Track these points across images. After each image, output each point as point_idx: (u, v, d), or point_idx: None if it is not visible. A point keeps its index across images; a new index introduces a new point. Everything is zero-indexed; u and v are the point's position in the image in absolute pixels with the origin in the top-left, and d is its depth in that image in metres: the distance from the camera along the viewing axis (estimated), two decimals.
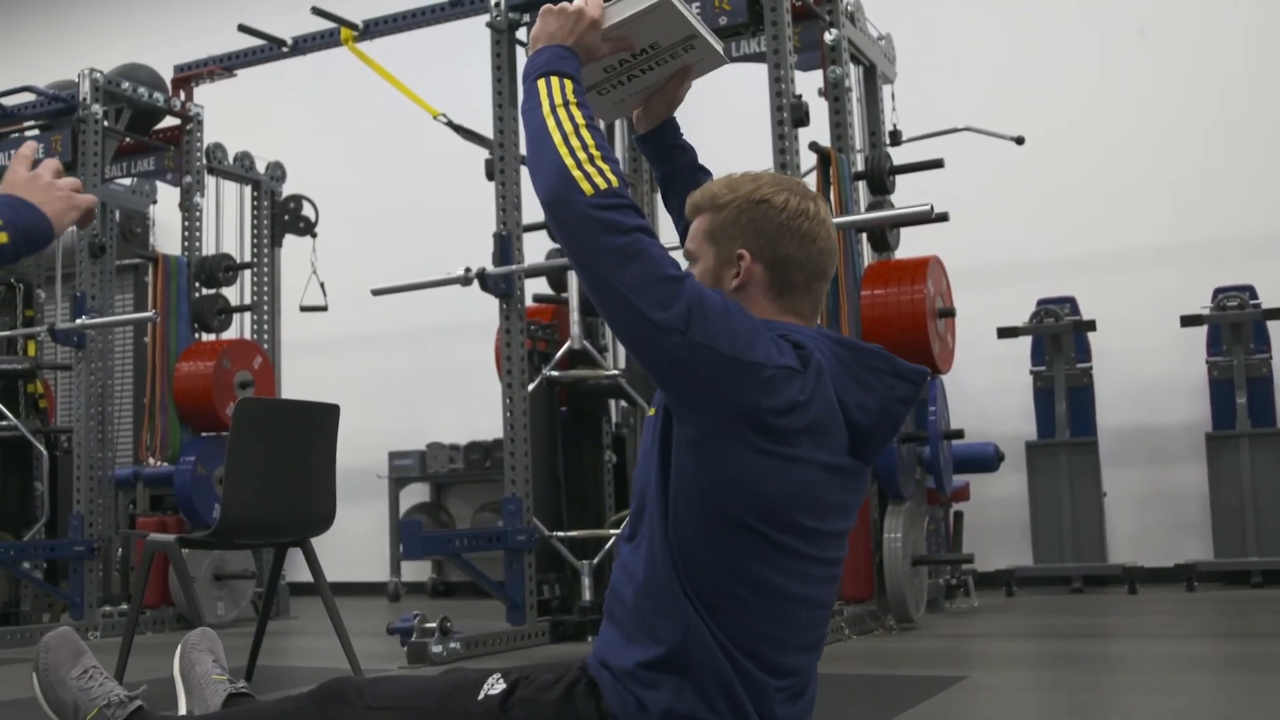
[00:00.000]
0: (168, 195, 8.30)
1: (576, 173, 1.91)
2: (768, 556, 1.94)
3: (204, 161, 7.74)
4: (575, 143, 1.94)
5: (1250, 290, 7.39)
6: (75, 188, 2.05)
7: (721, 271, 2.06)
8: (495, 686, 2.08)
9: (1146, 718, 3.43)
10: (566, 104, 2.01)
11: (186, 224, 7.65)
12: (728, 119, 8.08)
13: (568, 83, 2.05)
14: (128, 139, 7.62)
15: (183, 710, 2.68)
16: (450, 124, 6.46)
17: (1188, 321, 7.31)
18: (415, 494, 9.78)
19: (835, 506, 2.00)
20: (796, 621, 2.01)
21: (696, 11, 2.24)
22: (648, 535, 1.98)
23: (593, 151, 1.94)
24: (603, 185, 1.90)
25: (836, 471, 1.98)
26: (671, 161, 2.42)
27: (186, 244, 7.62)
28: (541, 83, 2.06)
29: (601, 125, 2.06)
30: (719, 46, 2.26)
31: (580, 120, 1.98)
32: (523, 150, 6.26)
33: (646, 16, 2.15)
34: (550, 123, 1.98)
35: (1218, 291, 7.43)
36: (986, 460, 6.80)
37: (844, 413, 1.97)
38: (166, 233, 8.72)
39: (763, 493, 1.91)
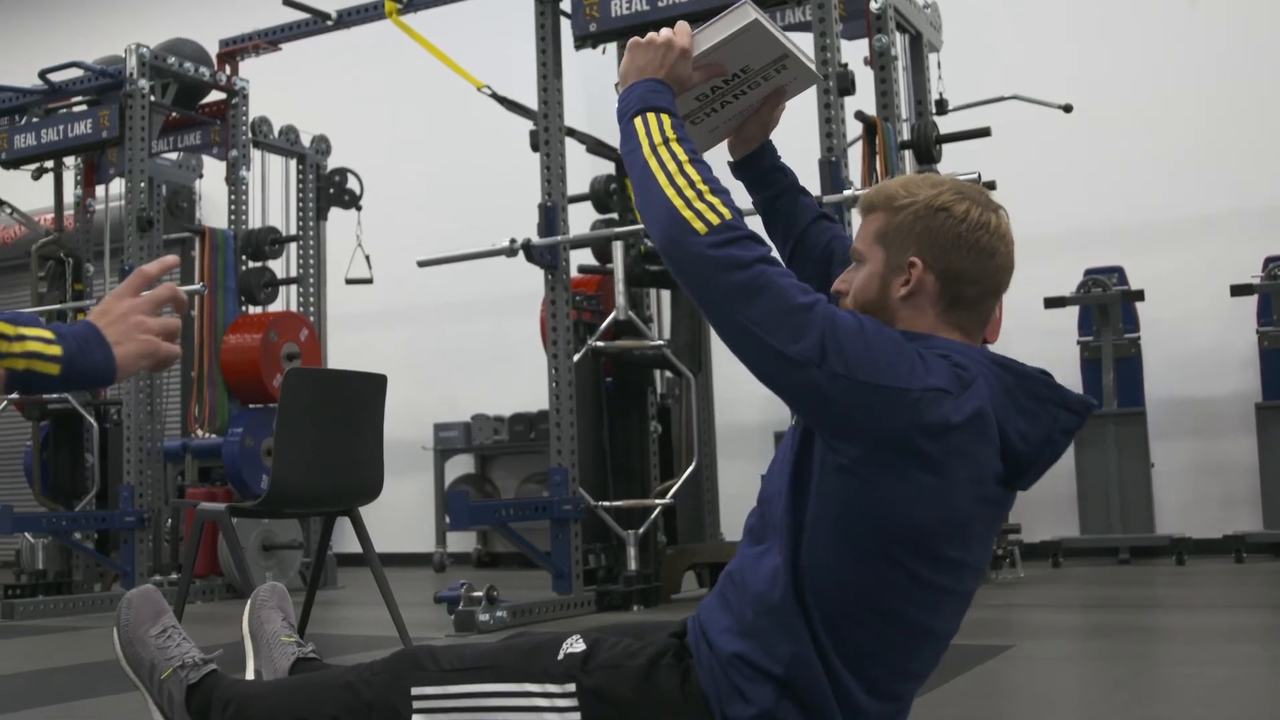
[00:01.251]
0: (214, 170, 8.35)
1: (687, 213, 1.84)
2: (906, 589, 1.88)
3: (249, 135, 7.79)
4: (681, 181, 1.88)
5: None
6: (165, 331, 1.90)
7: (890, 277, 1.95)
8: (575, 646, 2.06)
9: (1192, 689, 3.41)
10: (666, 141, 1.94)
11: (233, 198, 7.70)
12: None
13: (665, 118, 1.98)
14: (174, 114, 7.67)
15: (250, 669, 2.68)
16: (494, 95, 6.45)
17: (1238, 291, 7.24)
18: (460, 465, 9.83)
19: (981, 536, 1.94)
20: (919, 653, 1.97)
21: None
22: (774, 549, 1.92)
23: (700, 187, 1.87)
24: (715, 221, 1.83)
25: (987, 502, 1.90)
26: (771, 186, 2.31)
27: (233, 217, 7.67)
28: (638, 121, 1.98)
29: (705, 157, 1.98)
30: (812, 65, 2.18)
31: (683, 156, 1.92)
32: (568, 122, 6.30)
33: (737, 40, 2.07)
34: (653, 163, 1.92)
35: (1268, 261, 7.35)
36: None
37: (1004, 439, 1.87)
38: (213, 206, 8.77)
39: (912, 523, 1.83)
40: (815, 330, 1.78)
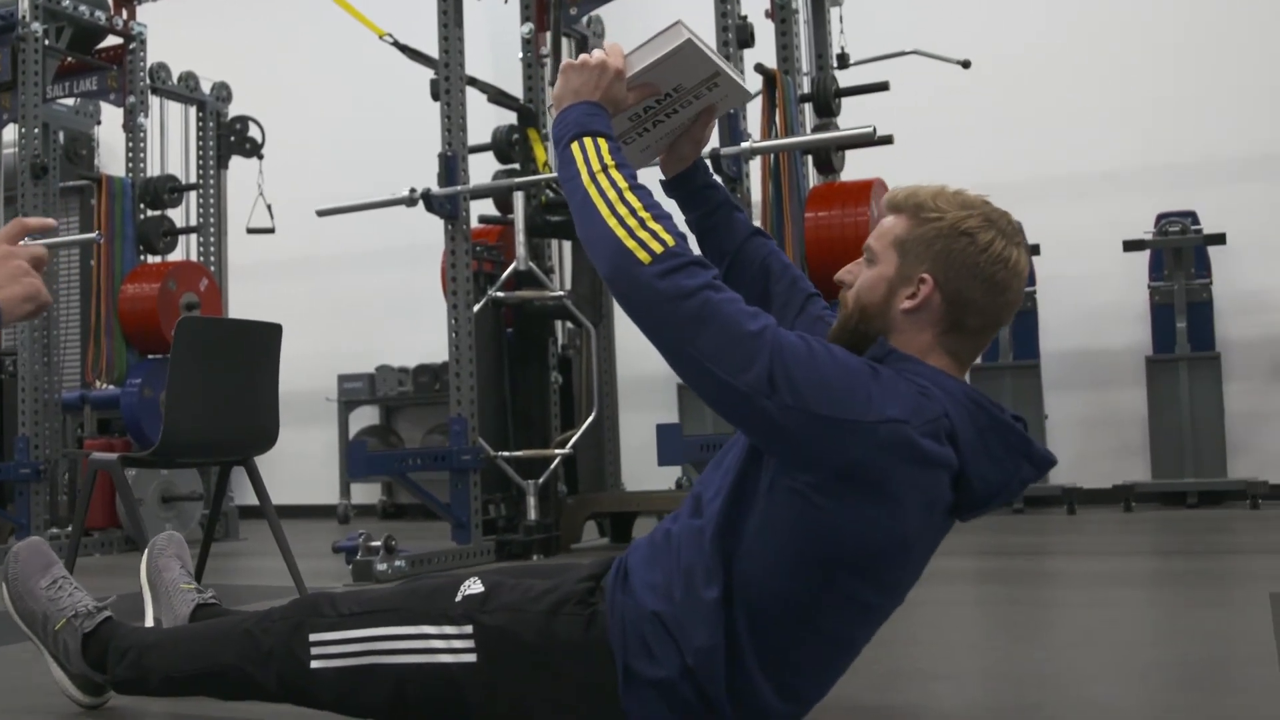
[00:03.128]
0: (113, 116, 8.20)
1: (630, 242, 1.83)
2: (841, 607, 1.91)
3: (147, 82, 7.65)
4: (622, 209, 1.86)
5: (1192, 216, 7.48)
6: (36, 260, 1.89)
7: (898, 286, 1.92)
8: (473, 587, 2.08)
9: (1075, 630, 3.52)
10: (605, 168, 1.91)
11: (130, 145, 7.57)
12: None
13: (602, 142, 1.96)
14: (69, 58, 7.51)
15: (149, 618, 2.67)
16: (396, 44, 6.40)
17: (1130, 246, 7.40)
18: (365, 417, 9.80)
19: (920, 558, 1.96)
20: (838, 663, 2.01)
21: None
22: (706, 547, 1.93)
23: (642, 215, 1.85)
24: (658, 249, 1.81)
25: (933, 529, 1.92)
26: (705, 203, 2.29)
27: (131, 165, 7.55)
28: (575, 147, 1.96)
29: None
30: (742, 81, 2.17)
31: (623, 183, 1.89)
32: (472, 72, 6.27)
33: (670, 60, 2.05)
34: (593, 192, 1.90)
35: (1160, 217, 7.51)
36: None
37: (963, 475, 1.87)
38: (112, 154, 8.63)
39: (858, 547, 1.84)
40: (763, 359, 1.76)
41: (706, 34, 5.45)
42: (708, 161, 2.31)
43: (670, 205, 2.08)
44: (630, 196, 1.88)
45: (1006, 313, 1.95)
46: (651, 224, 1.84)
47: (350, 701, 2.16)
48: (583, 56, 2.06)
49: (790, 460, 1.82)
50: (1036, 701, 2.56)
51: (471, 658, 2.02)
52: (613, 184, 1.90)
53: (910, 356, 1.91)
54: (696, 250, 1.91)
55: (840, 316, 2.01)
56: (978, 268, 1.88)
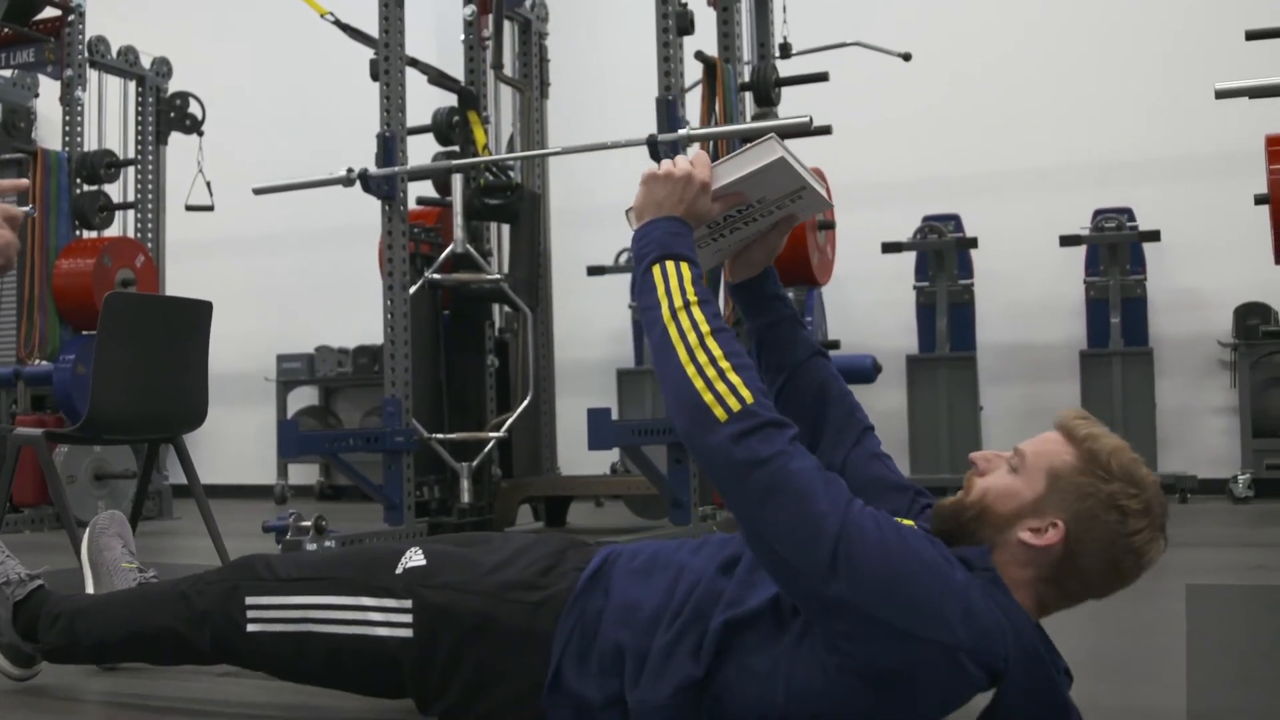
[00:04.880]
0: (51, 89, 8.11)
1: (708, 396, 1.74)
2: None
3: (86, 55, 7.56)
4: (702, 356, 1.77)
5: (1129, 213, 7.56)
6: (11, 218, 1.87)
7: (1029, 513, 1.80)
8: (414, 558, 2.07)
9: None
10: (688, 305, 1.83)
11: (67, 119, 7.49)
12: (615, 25, 8.07)
13: (685, 270, 1.87)
14: (5, 29, 7.41)
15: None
16: (337, 23, 6.35)
17: (1067, 241, 7.46)
18: (304, 397, 9.75)
19: None
20: None
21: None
22: (711, 626, 1.86)
23: (722, 365, 1.76)
24: (736, 407, 1.72)
25: None
26: (770, 313, 2.20)
27: (67, 139, 7.47)
28: (657, 271, 1.88)
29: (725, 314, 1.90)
30: (824, 192, 2.10)
31: (705, 327, 1.80)
32: (417, 54, 6.24)
33: (759, 175, 1.98)
34: (673, 332, 1.81)
35: (1097, 213, 7.58)
36: (864, 371, 6.88)
37: (994, 712, 1.78)
38: (51, 127, 8.51)
39: (855, 715, 1.77)
40: (828, 542, 1.67)
41: (645, 21, 5.46)
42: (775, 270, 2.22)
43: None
44: (711, 343, 1.79)
45: (1110, 592, 1.86)
46: (731, 376, 1.76)
47: (285, 666, 2.17)
48: (666, 165, 1.98)
49: (827, 640, 1.74)
50: None
51: (408, 633, 2.02)
52: (694, 325, 1.81)
53: (1002, 583, 1.79)
54: (770, 401, 1.80)
55: (958, 501, 1.89)
56: (1111, 547, 1.79)
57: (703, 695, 1.84)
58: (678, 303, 1.84)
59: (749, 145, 1.99)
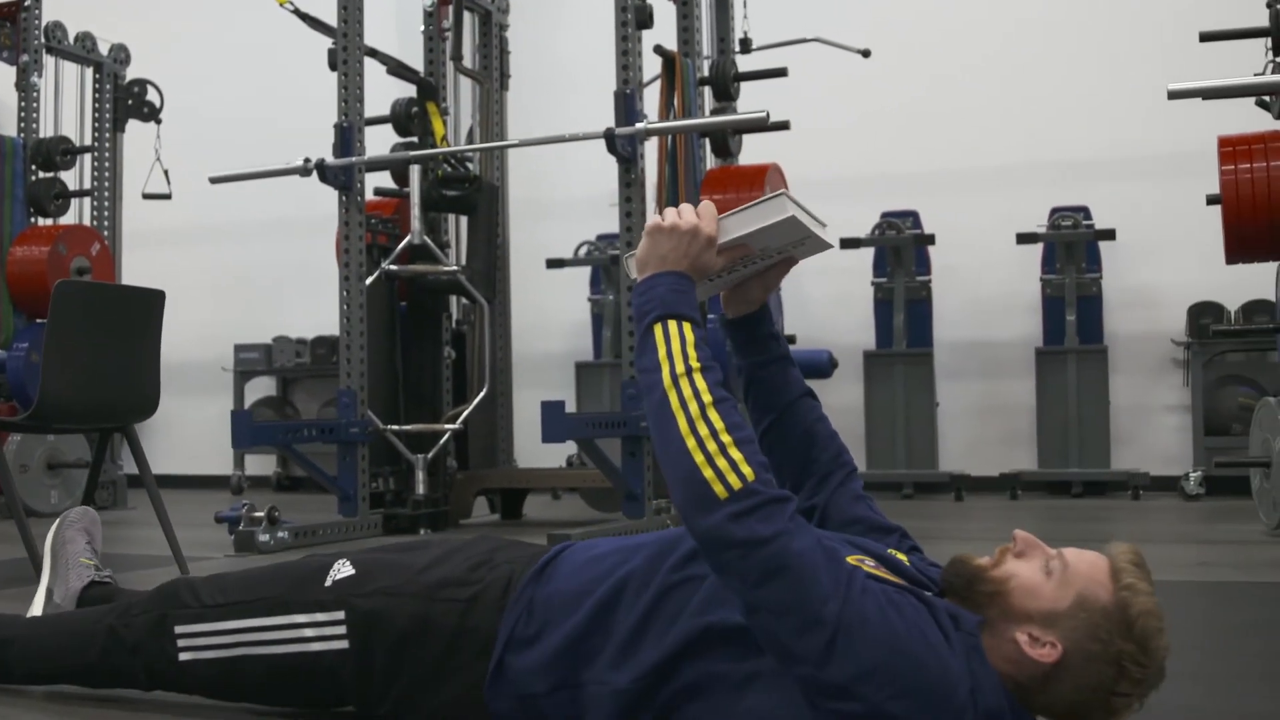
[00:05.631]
0: (6, 75, 8.04)
1: (707, 471, 1.68)
2: None
3: (42, 40, 7.50)
4: (703, 429, 1.71)
5: (1085, 211, 7.61)
6: None
7: (1036, 622, 1.73)
8: (343, 570, 2.06)
9: None
10: (690, 371, 1.77)
11: (23, 105, 7.43)
12: (575, 17, 8.06)
13: (689, 332, 1.81)
14: None
15: (42, 587, 2.63)
16: (297, 11, 6.33)
17: (1024, 239, 7.52)
18: (261, 387, 9.71)
19: None
20: None
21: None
22: (664, 637, 1.84)
23: (724, 439, 1.70)
24: (737, 485, 1.66)
25: None
26: (763, 352, 2.13)
27: (23, 126, 7.40)
28: (659, 332, 1.82)
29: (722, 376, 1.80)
30: (827, 237, 2.02)
31: (707, 397, 1.74)
32: (378, 44, 6.23)
33: (768, 230, 1.93)
34: (673, 400, 1.75)
35: (1054, 211, 7.63)
36: (820, 366, 6.93)
37: None
38: (6, 113, 8.44)
39: None
40: (826, 629, 1.63)
41: (605, 14, 5.47)
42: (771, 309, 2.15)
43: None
44: (713, 414, 1.73)
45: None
46: (733, 451, 1.70)
47: (222, 690, 2.16)
48: (671, 218, 1.91)
49: (808, 697, 1.69)
50: None
51: (343, 644, 2.01)
52: (696, 395, 1.75)
53: (982, 652, 1.73)
54: (771, 476, 1.74)
55: (982, 567, 1.81)
56: (1092, 694, 1.72)
57: (662, 688, 1.82)
58: (679, 368, 1.78)
59: (759, 200, 1.94)
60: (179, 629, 2.13)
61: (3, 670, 2.35)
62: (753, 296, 2.10)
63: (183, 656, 2.12)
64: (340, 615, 2.01)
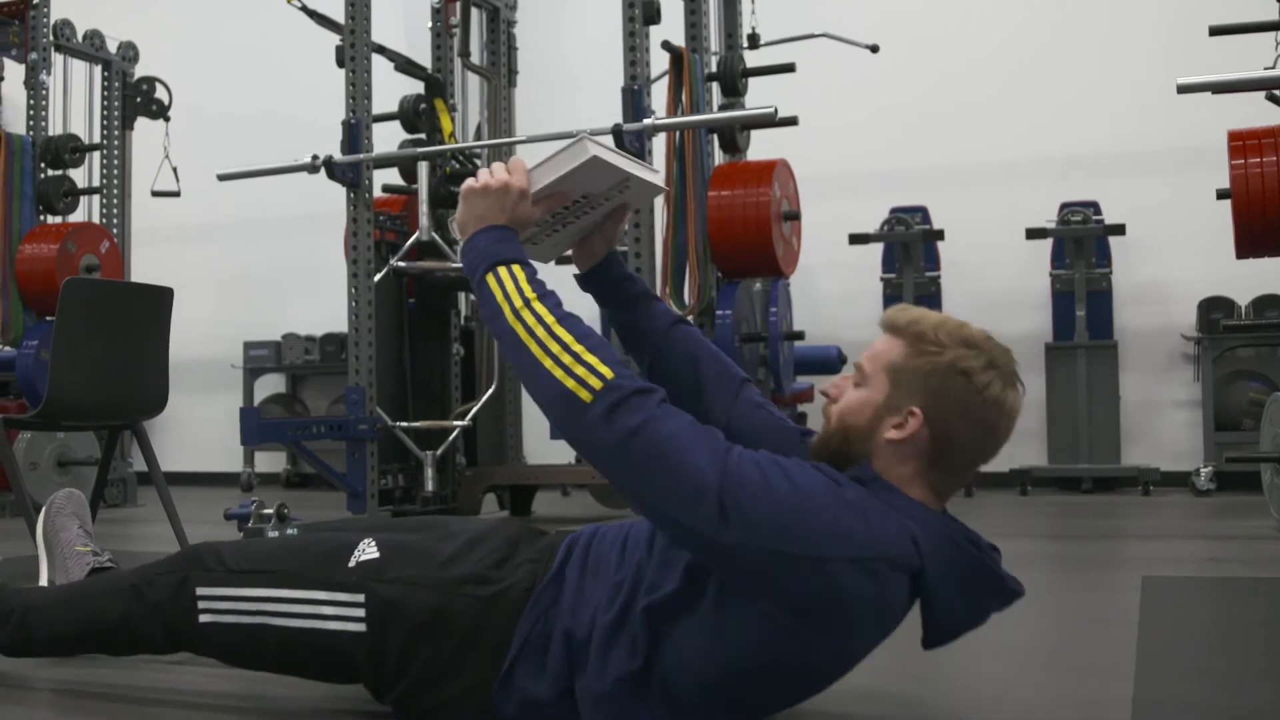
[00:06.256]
0: (16, 72, 8.05)
1: (570, 383, 1.76)
2: (770, 702, 1.89)
3: (51, 39, 7.50)
4: (555, 346, 1.79)
5: (1094, 206, 7.58)
6: None
7: (885, 414, 1.84)
8: (368, 551, 2.07)
9: None
10: (528, 303, 1.85)
11: (32, 103, 7.43)
12: (583, 13, 8.05)
13: (519, 271, 1.90)
14: None
15: (44, 580, 2.63)
16: (304, 9, 6.34)
17: (1033, 234, 7.49)
18: (271, 385, 9.72)
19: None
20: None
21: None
22: (637, 612, 1.87)
23: (576, 349, 1.78)
24: (598, 385, 1.74)
25: (878, 642, 1.88)
26: (621, 296, 2.20)
27: (32, 123, 7.41)
28: (491, 280, 1.90)
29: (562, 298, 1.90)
30: (655, 178, 2.11)
31: (549, 318, 1.83)
32: (385, 41, 6.22)
33: (576, 174, 2.00)
34: (520, 331, 1.83)
35: (1063, 206, 7.61)
36: (829, 362, 6.93)
37: (930, 608, 1.83)
38: (15, 110, 8.48)
39: (798, 668, 1.83)
40: (713, 493, 1.69)
41: (613, 10, 5.46)
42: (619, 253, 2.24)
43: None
44: (560, 330, 1.81)
45: (992, 452, 1.88)
46: (587, 357, 1.78)
47: (238, 655, 2.17)
48: (483, 178, 1.99)
49: (745, 591, 1.76)
50: (898, 680, 2.59)
51: (361, 627, 2.01)
52: (539, 319, 1.83)
53: (892, 486, 1.83)
54: (629, 371, 1.82)
55: (822, 432, 1.94)
56: (970, 409, 1.82)
57: (647, 680, 1.85)
58: (518, 303, 1.86)
59: (562, 146, 2.01)
60: (200, 591, 2.14)
61: (25, 639, 2.35)
62: (596, 249, 2.17)
63: (203, 619, 2.13)
64: (360, 598, 2.02)
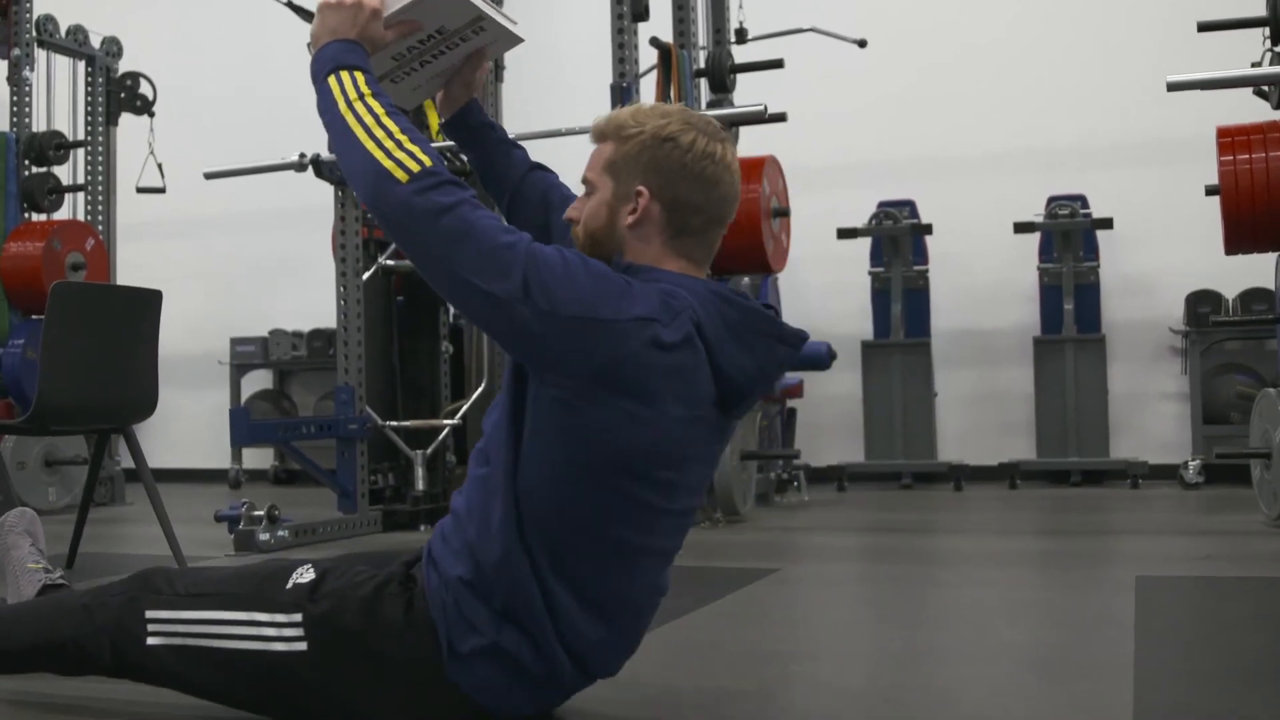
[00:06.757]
0: None
1: (388, 163, 1.87)
2: (620, 511, 1.95)
3: (34, 34, 7.45)
4: (380, 133, 1.90)
5: (1082, 200, 7.60)
6: None
7: (618, 206, 2.01)
8: (304, 575, 2.09)
9: (943, 610, 3.58)
10: (362, 96, 1.96)
11: (15, 99, 7.38)
12: (571, 8, 8.03)
13: (359, 75, 2.00)
14: None
15: None
16: (290, 4, 6.31)
17: (1021, 228, 7.50)
18: (258, 380, 9.68)
19: (695, 458, 2.01)
20: (639, 572, 2.03)
21: None
22: (491, 478, 1.98)
23: (399, 137, 1.90)
24: (415, 168, 1.87)
25: (698, 423, 1.97)
26: (482, 142, 2.37)
27: (15, 120, 7.36)
28: (332, 80, 2.00)
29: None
30: (512, 26, 2.21)
31: (379, 109, 1.94)
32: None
33: (428, 2, 2.10)
34: (350, 119, 1.94)
35: (1051, 200, 7.62)
36: (819, 359, 6.91)
37: (718, 369, 1.95)
38: None
39: (620, 448, 1.90)
40: (518, 268, 1.82)
41: (601, 4, 5.44)
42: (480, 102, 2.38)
43: None
44: (388, 121, 1.92)
45: (726, 206, 2.04)
46: (408, 145, 1.89)
47: (185, 680, 2.17)
48: None
49: (549, 367, 1.87)
50: (893, 683, 2.60)
51: (302, 645, 2.04)
52: (369, 110, 1.94)
53: (647, 266, 1.99)
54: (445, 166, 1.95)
55: (578, 248, 2.06)
56: (686, 168, 1.98)
57: (522, 523, 1.93)
58: (352, 95, 1.97)
59: None
60: (150, 613, 2.16)
61: None
62: (457, 96, 2.33)
63: (150, 640, 2.15)
64: (298, 618, 2.05)
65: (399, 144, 1.89)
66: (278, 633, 2.05)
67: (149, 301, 4.33)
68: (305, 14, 6.23)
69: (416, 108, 6.16)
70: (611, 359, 1.84)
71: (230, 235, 9.62)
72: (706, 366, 1.94)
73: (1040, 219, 7.55)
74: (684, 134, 1.99)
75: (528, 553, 1.93)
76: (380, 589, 2.03)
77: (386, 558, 2.18)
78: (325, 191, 6.14)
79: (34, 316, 7.10)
